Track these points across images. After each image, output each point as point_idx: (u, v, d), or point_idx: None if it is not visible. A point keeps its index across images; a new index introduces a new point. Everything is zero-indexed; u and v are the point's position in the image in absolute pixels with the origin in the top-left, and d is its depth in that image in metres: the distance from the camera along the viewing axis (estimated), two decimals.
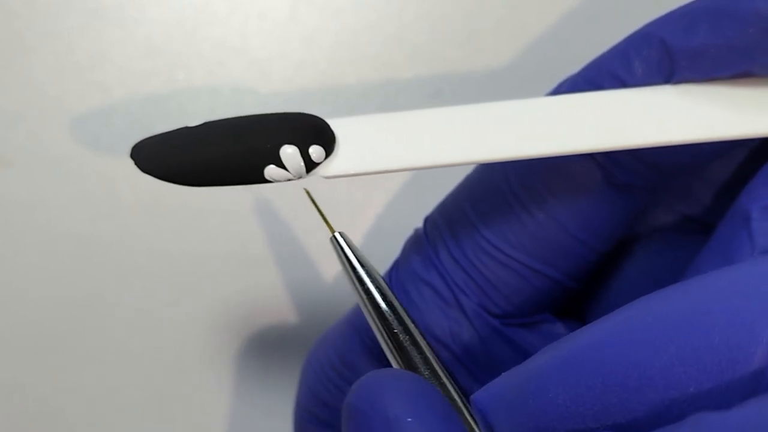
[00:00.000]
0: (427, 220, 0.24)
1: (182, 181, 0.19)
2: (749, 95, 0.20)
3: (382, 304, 0.20)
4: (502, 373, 0.17)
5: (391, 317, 0.20)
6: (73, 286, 0.31)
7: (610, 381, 0.15)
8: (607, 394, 0.15)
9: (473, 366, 0.23)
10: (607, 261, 0.24)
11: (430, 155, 0.20)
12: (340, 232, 0.21)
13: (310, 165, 0.19)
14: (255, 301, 0.31)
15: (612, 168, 0.21)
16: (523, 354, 0.23)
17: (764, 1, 0.18)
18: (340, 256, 0.21)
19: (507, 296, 0.23)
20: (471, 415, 0.18)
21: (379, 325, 0.20)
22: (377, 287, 0.20)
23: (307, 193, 0.21)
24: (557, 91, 0.22)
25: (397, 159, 0.20)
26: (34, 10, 0.31)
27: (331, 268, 0.31)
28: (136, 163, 0.19)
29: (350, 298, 0.23)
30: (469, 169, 0.24)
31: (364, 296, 0.20)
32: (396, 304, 0.20)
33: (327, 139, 0.19)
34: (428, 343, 0.20)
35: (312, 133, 0.19)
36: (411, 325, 0.20)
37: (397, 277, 0.24)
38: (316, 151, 0.19)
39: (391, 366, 0.20)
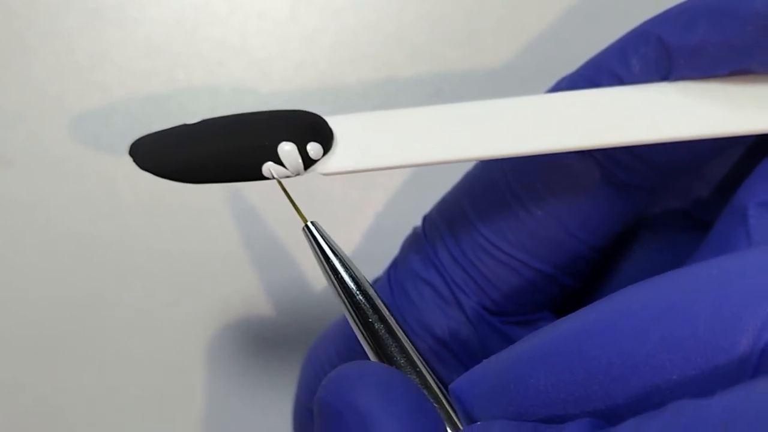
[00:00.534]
0: (425, 218, 0.24)
1: (180, 178, 0.19)
2: (746, 92, 0.20)
3: (357, 294, 0.19)
4: (483, 361, 0.17)
5: (365, 306, 0.19)
6: (73, 286, 0.31)
7: (594, 368, 0.15)
8: (590, 380, 0.15)
9: (472, 365, 0.23)
10: (606, 259, 0.24)
11: (428, 152, 0.20)
12: (312, 222, 0.20)
13: (308, 162, 0.19)
14: (255, 301, 0.31)
15: (611, 166, 0.21)
16: None
17: (763, 0, 0.18)
18: (312, 247, 0.20)
19: (506, 294, 0.23)
20: (449, 404, 0.18)
21: (354, 314, 0.19)
22: (351, 276, 0.19)
23: (279, 183, 0.20)
24: (555, 88, 0.22)
25: (395, 156, 0.20)
26: (34, 10, 0.31)
27: None
28: (134, 161, 0.19)
29: None
30: (467, 168, 0.24)
31: (338, 285, 0.19)
32: (371, 293, 0.19)
33: (325, 137, 0.19)
34: (405, 332, 0.19)
35: (310, 130, 0.19)
36: (386, 314, 0.19)
37: (396, 276, 0.24)
38: (314, 148, 0.19)
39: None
